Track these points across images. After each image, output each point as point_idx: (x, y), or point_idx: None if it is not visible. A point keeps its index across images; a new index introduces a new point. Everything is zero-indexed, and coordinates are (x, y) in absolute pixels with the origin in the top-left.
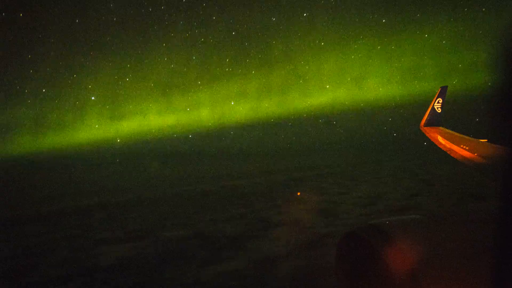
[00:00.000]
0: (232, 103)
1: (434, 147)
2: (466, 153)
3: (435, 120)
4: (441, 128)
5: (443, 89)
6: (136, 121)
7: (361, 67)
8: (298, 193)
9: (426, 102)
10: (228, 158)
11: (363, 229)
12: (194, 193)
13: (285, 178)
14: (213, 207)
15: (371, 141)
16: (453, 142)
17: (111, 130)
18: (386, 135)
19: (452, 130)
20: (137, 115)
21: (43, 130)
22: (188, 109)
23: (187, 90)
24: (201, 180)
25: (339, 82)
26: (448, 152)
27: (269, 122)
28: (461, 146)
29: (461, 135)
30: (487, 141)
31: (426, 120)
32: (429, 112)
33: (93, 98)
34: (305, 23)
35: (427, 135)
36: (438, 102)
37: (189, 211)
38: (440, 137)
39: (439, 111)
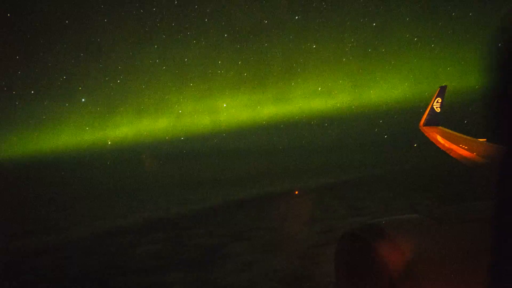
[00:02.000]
0: (224, 105)
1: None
2: (465, 153)
3: (434, 120)
4: (440, 127)
5: (442, 89)
6: (129, 123)
7: (355, 69)
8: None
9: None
10: (297, 154)
11: (362, 228)
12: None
13: (401, 168)
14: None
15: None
16: (452, 142)
17: (101, 132)
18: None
19: (451, 129)
20: (128, 117)
21: (34, 131)
22: (180, 111)
23: (179, 91)
24: (358, 168)
25: (334, 85)
26: (447, 152)
27: (270, 124)
28: (460, 145)
29: (460, 135)
30: (486, 141)
31: (425, 119)
32: (428, 112)
33: (83, 100)
34: (297, 25)
35: (426, 134)
36: (437, 102)
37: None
38: (439, 137)
39: (438, 111)
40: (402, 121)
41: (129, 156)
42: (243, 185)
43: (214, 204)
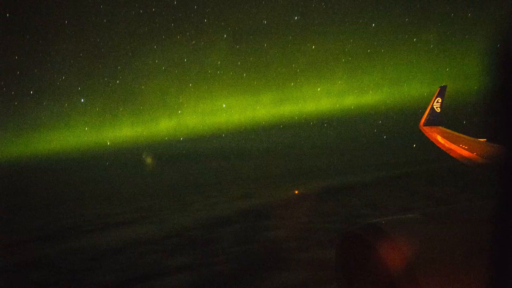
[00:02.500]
0: (224, 105)
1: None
2: (465, 153)
3: (434, 120)
4: (440, 127)
5: (442, 89)
6: (128, 123)
7: (354, 70)
8: None
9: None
10: (312, 154)
11: (362, 228)
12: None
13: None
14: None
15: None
16: (452, 142)
17: (101, 132)
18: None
19: (451, 129)
20: (127, 118)
21: (33, 131)
22: (179, 112)
23: (178, 92)
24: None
25: (331, 85)
26: (447, 152)
27: (269, 124)
28: (460, 145)
29: (460, 135)
30: (486, 141)
31: (425, 119)
32: (428, 112)
33: (82, 100)
34: (297, 26)
35: (426, 134)
36: (437, 102)
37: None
38: (440, 137)
39: (438, 111)
40: (401, 121)
41: (132, 156)
42: (279, 182)
43: (284, 198)
